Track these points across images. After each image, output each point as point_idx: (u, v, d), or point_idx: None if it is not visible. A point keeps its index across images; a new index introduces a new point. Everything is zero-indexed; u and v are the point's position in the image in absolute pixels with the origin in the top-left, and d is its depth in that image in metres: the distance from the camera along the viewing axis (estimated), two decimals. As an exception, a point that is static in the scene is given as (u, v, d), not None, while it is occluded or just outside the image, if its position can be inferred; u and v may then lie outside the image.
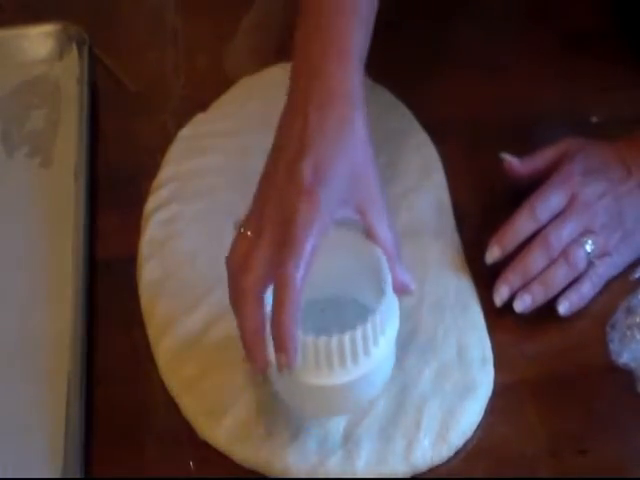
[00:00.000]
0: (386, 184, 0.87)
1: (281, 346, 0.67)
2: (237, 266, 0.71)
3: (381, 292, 0.70)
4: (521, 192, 0.83)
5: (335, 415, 0.74)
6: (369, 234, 0.72)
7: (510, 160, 0.85)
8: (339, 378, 0.69)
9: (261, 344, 0.69)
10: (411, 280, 0.72)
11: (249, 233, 0.71)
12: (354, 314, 0.72)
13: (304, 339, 0.67)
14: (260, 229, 0.71)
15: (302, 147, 0.71)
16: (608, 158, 0.83)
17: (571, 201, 0.81)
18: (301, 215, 0.69)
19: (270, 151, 0.74)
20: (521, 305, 0.79)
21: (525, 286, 0.80)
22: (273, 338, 0.68)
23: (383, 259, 0.71)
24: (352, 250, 0.72)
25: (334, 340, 0.67)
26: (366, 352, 0.68)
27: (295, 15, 0.78)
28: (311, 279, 0.68)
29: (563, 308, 0.80)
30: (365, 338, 0.68)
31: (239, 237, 0.72)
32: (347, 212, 0.72)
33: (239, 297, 0.70)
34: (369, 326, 0.68)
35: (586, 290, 0.81)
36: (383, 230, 0.72)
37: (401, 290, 0.72)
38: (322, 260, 0.69)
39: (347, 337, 0.67)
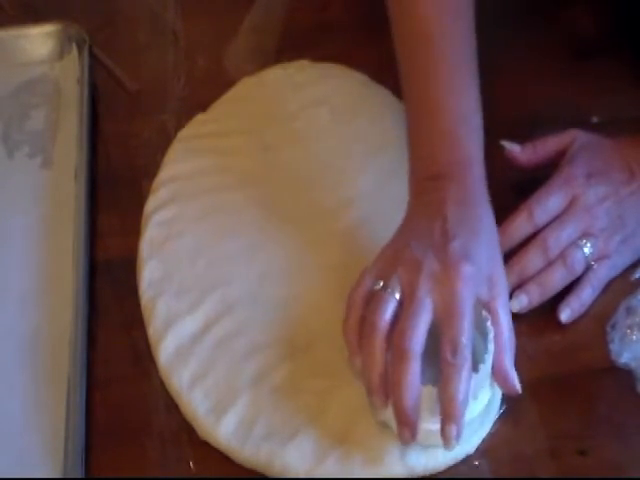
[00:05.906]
0: (387, 185, 0.88)
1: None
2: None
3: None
4: (522, 191, 0.83)
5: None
6: (492, 316, 0.74)
7: (510, 147, 0.85)
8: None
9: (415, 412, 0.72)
10: (516, 379, 0.75)
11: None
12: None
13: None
14: (416, 302, 0.73)
15: (446, 236, 0.75)
16: (611, 159, 0.83)
17: (571, 203, 0.81)
18: (459, 291, 0.73)
19: (399, 245, 0.77)
20: (517, 305, 0.79)
21: (521, 286, 0.80)
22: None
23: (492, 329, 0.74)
24: None
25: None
26: None
27: (294, 15, 0.78)
28: None
29: (565, 316, 0.80)
30: None
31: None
32: (483, 291, 0.75)
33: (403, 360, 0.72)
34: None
35: (586, 295, 0.80)
36: (505, 320, 0.75)
37: (505, 384, 0.75)
38: None
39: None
